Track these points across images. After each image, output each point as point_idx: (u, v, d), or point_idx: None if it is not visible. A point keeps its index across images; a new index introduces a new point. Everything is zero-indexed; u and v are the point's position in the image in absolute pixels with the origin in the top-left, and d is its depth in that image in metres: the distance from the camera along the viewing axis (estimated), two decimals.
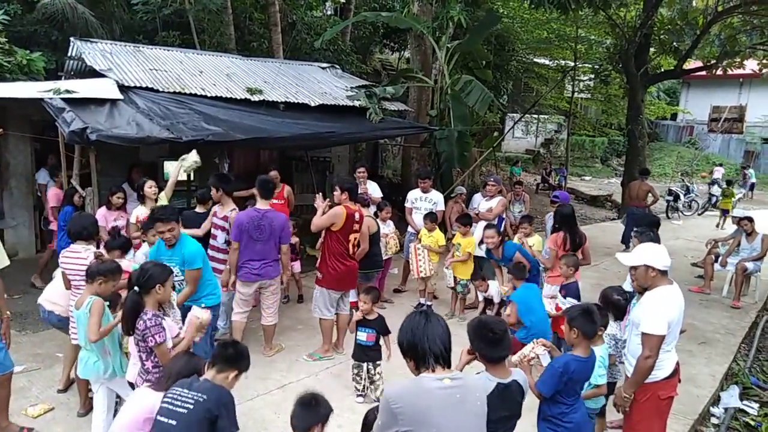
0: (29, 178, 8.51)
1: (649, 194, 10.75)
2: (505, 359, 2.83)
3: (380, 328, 4.70)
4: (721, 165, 22.93)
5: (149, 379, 3.36)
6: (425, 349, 2.39)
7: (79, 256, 4.21)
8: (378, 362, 4.71)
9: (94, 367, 3.78)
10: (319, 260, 5.59)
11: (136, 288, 3.47)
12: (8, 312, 4.10)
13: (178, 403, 2.70)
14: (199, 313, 3.61)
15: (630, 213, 10.94)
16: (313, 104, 8.76)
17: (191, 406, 2.67)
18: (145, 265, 3.64)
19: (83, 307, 3.73)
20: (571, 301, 4.98)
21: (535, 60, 20.07)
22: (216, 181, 5.78)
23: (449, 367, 2.44)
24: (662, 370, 3.49)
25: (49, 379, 4.86)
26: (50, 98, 6.47)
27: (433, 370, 2.39)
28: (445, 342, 2.44)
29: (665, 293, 3.44)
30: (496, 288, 6.24)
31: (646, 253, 3.50)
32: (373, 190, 7.90)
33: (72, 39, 8.82)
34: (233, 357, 2.90)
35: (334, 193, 5.46)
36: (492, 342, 2.74)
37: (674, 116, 30.39)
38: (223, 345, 2.99)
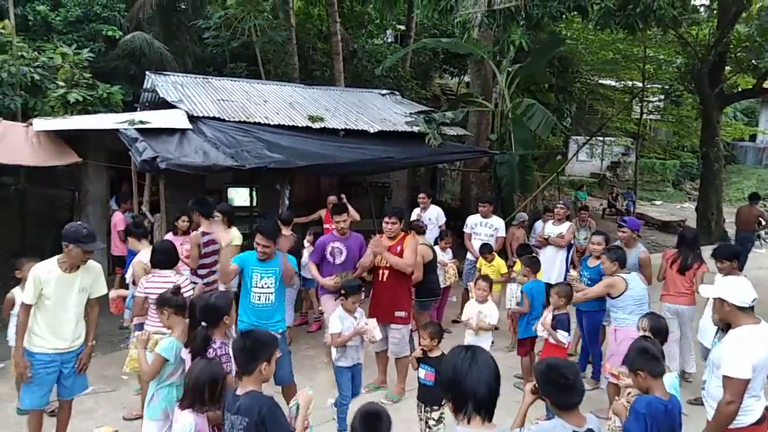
0: (104, 204, 8.95)
1: (760, 219, 11.19)
2: (578, 405, 2.58)
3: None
4: None
5: (210, 408, 3.35)
6: (466, 393, 2.20)
7: (168, 280, 4.21)
8: (436, 407, 4.29)
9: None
10: (394, 300, 5.18)
11: (203, 323, 3.45)
12: (94, 340, 4.20)
13: (235, 430, 2.74)
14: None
15: (738, 238, 11.08)
16: (372, 131, 8.84)
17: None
18: (209, 299, 3.58)
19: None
20: (562, 334, 4.80)
21: (600, 81, 19.52)
22: (193, 204, 5.60)
23: (491, 418, 2.22)
24: (748, 415, 3.21)
25: (115, 401, 4.99)
26: (125, 129, 6.85)
27: (470, 421, 2.19)
28: (491, 388, 2.21)
29: (750, 333, 3.18)
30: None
31: (723, 286, 3.35)
32: (438, 215, 7.74)
33: (147, 72, 9.36)
34: (252, 351, 2.78)
35: (393, 225, 5.15)
36: (564, 388, 2.51)
37: (753, 137, 28.58)
38: (238, 346, 2.83)
